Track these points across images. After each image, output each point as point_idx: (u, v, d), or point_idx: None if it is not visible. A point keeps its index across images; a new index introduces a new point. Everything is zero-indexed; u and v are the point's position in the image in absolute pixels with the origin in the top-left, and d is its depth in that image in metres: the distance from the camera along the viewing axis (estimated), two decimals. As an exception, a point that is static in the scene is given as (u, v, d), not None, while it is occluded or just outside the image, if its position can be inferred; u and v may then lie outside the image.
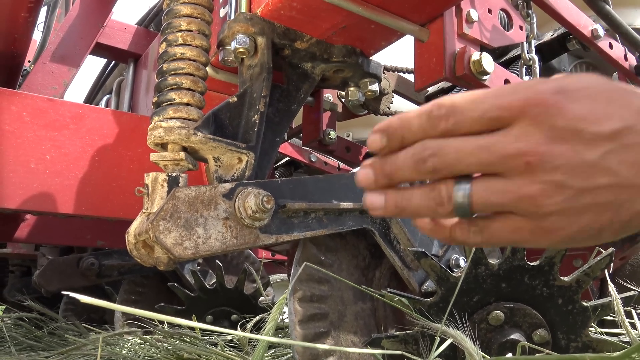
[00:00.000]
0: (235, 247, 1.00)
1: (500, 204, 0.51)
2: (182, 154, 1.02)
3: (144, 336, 1.87)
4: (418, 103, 2.16)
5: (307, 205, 1.08)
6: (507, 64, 1.73)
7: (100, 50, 2.18)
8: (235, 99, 1.12)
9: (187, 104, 1.05)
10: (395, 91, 2.01)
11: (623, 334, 1.26)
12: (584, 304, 1.16)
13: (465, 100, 0.52)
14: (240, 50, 1.15)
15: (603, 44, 1.56)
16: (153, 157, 1.03)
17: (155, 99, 1.06)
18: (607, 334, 1.34)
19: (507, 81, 1.22)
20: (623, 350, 0.67)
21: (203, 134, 1.02)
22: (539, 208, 0.49)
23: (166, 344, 1.74)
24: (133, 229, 1.01)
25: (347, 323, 1.21)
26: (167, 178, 1.00)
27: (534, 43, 1.43)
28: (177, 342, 1.71)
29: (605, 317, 1.19)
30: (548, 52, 1.75)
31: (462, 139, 0.52)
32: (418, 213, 0.55)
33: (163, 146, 1.05)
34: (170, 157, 1.01)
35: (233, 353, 1.66)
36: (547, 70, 1.88)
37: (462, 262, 1.28)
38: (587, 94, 0.49)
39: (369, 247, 1.29)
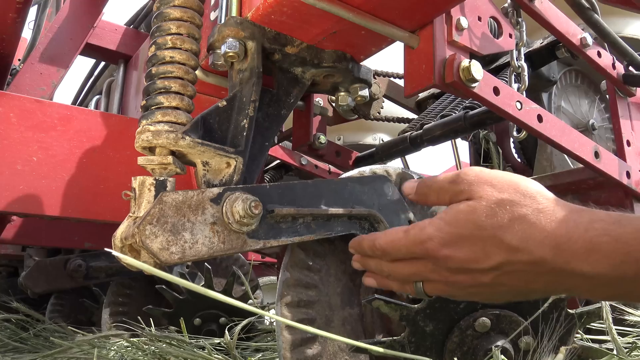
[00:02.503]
0: (223, 252, 0.99)
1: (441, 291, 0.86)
2: (170, 158, 1.01)
3: (131, 339, 1.86)
4: (408, 108, 2.17)
5: (295, 210, 1.08)
6: (497, 71, 1.74)
7: (90, 50, 2.17)
8: (225, 103, 1.12)
9: (176, 108, 1.04)
10: (385, 96, 2.01)
11: (608, 341, 1.27)
12: (570, 311, 1.16)
13: (387, 244, 0.86)
14: (230, 54, 1.14)
15: (591, 53, 1.57)
16: (140, 160, 1.02)
17: (144, 102, 1.05)
18: (593, 340, 1.35)
19: (496, 89, 1.22)
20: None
21: (191, 138, 1.01)
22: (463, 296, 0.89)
23: (153, 347, 1.73)
24: (119, 233, 1.00)
25: (335, 328, 1.21)
26: (154, 182, 0.99)
27: (523, 51, 1.44)
28: (164, 345, 1.70)
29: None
30: (537, 59, 1.76)
31: (403, 265, 0.85)
32: (397, 290, 0.96)
33: (151, 150, 1.04)
34: (158, 160, 1.01)
35: (220, 357, 1.65)
36: (537, 77, 1.89)
37: (450, 268, 1.28)
38: (467, 242, 0.72)
39: (357, 252, 1.29)
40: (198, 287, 0.68)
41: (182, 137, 1.00)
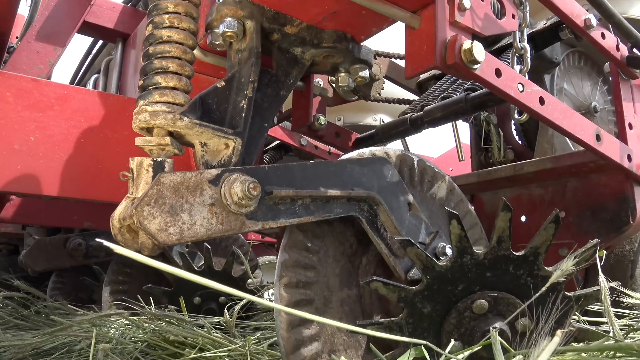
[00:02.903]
0: (221, 233, 0.99)
1: None
2: (168, 139, 1.00)
3: (131, 317, 1.87)
4: (409, 89, 2.15)
5: (294, 192, 1.08)
6: (499, 52, 1.72)
7: (88, 29, 2.14)
8: (223, 83, 1.11)
9: (174, 88, 1.03)
10: (386, 77, 2.00)
11: (605, 322, 1.28)
12: (568, 293, 1.17)
13: None
14: (229, 34, 1.13)
15: (595, 34, 1.55)
16: (138, 141, 1.02)
17: (141, 82, 1.04)
18: (590, 322, 1.36)
19: (497, 70, 1.21)
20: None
21: (189, 119, 1.00)
22: None
23: (153, 326, 1.75)
24: (117, 213, 1.00)
25: (333, 309, 1.21)
26: (152, 163, 0.99)
27: (526, 32, 1.42)
28: (164, 324, 1.72)
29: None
30: (540, 41, 1.74)
31: None
32: None
33: (149, 130, 1.03)
34: (156, 141, 1.00)
35: (219, 335, 1.66)
36: (539, 59, 1.87)
37: (449, 250, 1.28)
38: None
39: (356, 233, 1.29)
40: (184, 272, 0.68)
41: (180, 118, 0.99)
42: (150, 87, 1.03)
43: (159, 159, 0.99)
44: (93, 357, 1.23)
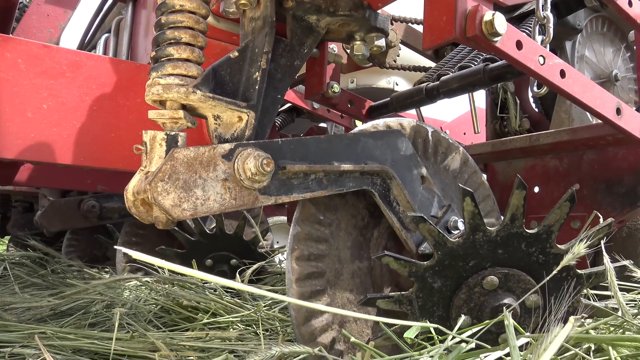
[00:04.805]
0: (234, 208, 1.00)
1: None
2: (181, 112, 0.99)
3: (145, 279, 1.91)
4: (425, 55, 2.10)
5: (307, 166, 1.07)
6: (519, 20, 1.66)
7: (98, -13, 2.10)
8: (237, 53, 1.09)
9: (187, 60, 1.01)
10: (402, 42, 1.95)
11: (611, 296, 1.28)
12: (578, 271, 1.17)
13: None
14: (242, 1, 1.10)
15: (622, 2, 1.49)
16: (151, 114, 1.01)
17: (154, 53, 1.02)
18: (599, 297, 1.37)
19: (519, 43, 1.17)
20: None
21: (202, 92, 0.99)
22: None
23: (166, 290, 1.78)
24: (131, 186, 1.00)
25: (344, 281, 1.23)
26: (165, 137, 0.98)
27: (549, -1, 1.37)
28: (177, 288, 1.75)
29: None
30: (564, 8, 1.67)
31: None
32: None
33: (162, 103, 1.02)
34: (169, 115, 0.99)
35: (231, 301, 1.70)
36: (561, 25, 1.81)
37: (461, 224, 1.28)
38: None
39: (368, 206, 1.29)
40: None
41: (193, 91, 0.98)
42: (162, 59, 1.01)
43: (172, 133, 0.99)
44: (111, 320, 1.25)
